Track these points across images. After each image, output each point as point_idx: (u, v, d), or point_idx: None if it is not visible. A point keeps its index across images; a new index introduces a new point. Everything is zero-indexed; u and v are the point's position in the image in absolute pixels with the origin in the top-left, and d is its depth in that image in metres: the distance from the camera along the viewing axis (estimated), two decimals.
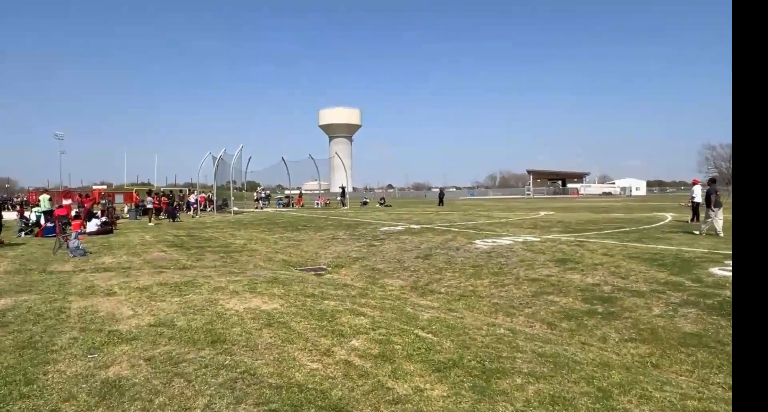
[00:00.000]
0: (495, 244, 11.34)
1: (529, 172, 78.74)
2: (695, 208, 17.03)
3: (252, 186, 48.21)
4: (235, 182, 33.35)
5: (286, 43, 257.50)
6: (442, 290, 7.19)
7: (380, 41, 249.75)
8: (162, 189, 38.27)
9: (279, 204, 39.77)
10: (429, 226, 16.92)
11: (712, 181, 14.05)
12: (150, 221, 21.18)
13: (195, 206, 28.65)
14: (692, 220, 16.71)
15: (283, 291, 6.24)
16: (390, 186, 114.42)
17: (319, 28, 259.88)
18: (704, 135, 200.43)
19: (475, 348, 4.09)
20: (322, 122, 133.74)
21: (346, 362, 3.68)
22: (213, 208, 30.72)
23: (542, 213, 24.14)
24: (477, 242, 11.81)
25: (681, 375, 3.94)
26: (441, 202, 38.51)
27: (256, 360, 3.66)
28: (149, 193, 24.55)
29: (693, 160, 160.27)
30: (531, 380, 3.39)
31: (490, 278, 7.70)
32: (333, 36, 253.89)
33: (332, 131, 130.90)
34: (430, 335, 4.44)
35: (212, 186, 31.29)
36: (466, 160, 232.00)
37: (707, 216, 12.62)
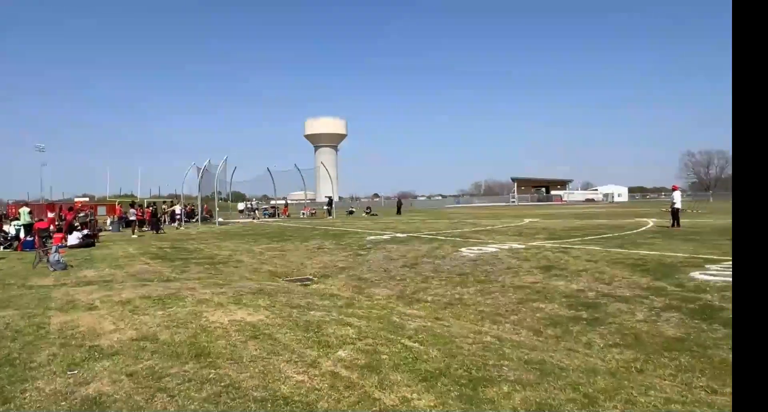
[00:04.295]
0: (481, 252, 11.40)
1: (513, 179, 79.47)
2: (675, 213, 17.35)
3: (237, 197, 47.84)
4: (220, 193, 33.13)
5: (272, 53, 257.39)
6: (429, 298, 7.19)
7: (365, 50, 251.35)
8: (146, 200, 37.77)
9: (265, 214, 39.55)
10: (415, 234, 16.95)
11: None
12: (133, 233, 20.88)
13: (179, 217, 28.32)
14: (673, 225, 17.02)
15: (268, 302, 6.19)
16: (376, 195, 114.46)
17: (304, 37, 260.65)
18: (686, 142, 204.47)
19: (462, 357, 4.09)
20: (308, 132, 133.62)
21: (332, 373, 3.65)
22: (197, 219, 30.40)
23: (527, 220, 24.35)
24: (463, 249, 11.87)
25: (665, 380, 3.99)
26: (399, 211, 38.00)
27: (241, 373, 3.62)
28: (132, 205, 24.21)
29: (674, 167, 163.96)
30: (518, 388, 3.40)
31: (477, 285, 7.72)
32: (318, 45, 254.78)
33: (318, 141, 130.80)
34: (416, 345, 4.43)
35: (197, 197, 31.02)
36: (451, 169, 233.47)
37: None
